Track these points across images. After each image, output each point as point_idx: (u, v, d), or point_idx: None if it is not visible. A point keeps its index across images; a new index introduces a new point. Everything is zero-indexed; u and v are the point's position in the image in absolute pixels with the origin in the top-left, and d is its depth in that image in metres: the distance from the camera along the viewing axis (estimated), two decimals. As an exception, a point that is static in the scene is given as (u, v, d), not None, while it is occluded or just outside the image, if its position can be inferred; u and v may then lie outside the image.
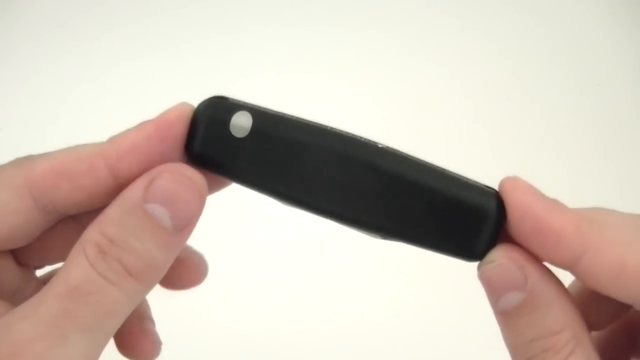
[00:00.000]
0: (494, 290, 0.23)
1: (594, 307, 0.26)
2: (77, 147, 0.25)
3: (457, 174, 0.24)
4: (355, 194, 0.24)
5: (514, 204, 0.23)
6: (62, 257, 0.27)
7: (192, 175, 0.23)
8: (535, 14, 0.74)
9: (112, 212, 0.23)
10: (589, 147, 0.68)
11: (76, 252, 0.23)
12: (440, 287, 0.56)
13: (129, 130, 0.25)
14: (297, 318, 0.57)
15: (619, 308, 0.26)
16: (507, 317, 0.23)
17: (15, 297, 0.27)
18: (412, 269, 0.56)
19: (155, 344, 0.30)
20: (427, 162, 0.24)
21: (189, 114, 0.25)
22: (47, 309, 0.22)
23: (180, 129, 0.24)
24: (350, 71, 0.71)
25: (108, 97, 0.66)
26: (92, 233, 0.23)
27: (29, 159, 0.25)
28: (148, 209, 0.22)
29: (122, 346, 0.29)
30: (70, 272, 0.22)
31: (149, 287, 0.23)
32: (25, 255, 0.27)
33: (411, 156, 0.24)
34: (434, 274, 0.56)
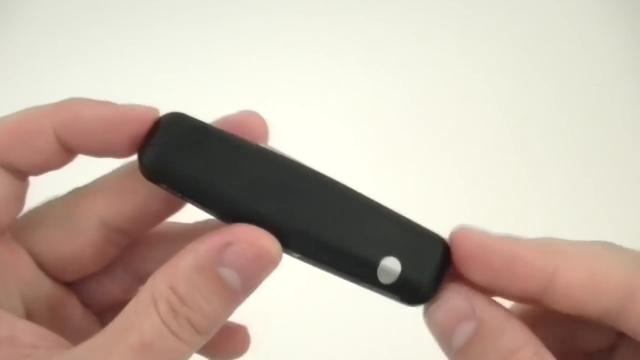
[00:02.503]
0: (445, 329, 0.23)
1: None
2: (31, 108, 0.25)
3: (406, 217, 0.24)
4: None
5: (475, 246, 0.23)
6: (90, 265, 0.27)
7: (269, 246, 0.23)
8: (535, 13, 0.74)
9: (184, 266, 0.23)
10: (589, 147, 0.67)
11: (146, 303, 0.22)
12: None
13: (88, 101, 0.25)
14: (296, 317, 0.57)
15: (564, 337, 0.27)
16: (463, 353, 0.23)
17: (61, 324, 0.27)
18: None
19: (245, 331, 0.30)
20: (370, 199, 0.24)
21: (151, 120, 0.24)
22: None
23: (135, 130, 0.24)
24: (349, 70, 0.71)
25: (109, 96, 0.66)
26: (163, 286, 0.22)
27: None
28: (221, 273, 0.22)
29: (214, 348, 0.29)
30: (144, 326, 0.22)
31: (209, 338, 0.23)
32: (52, 263, 0.27)
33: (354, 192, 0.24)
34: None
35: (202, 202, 0.24)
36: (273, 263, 0.23)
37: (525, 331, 0.23)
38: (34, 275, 0.26)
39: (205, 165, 0.24)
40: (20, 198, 0.26)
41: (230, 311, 0.23)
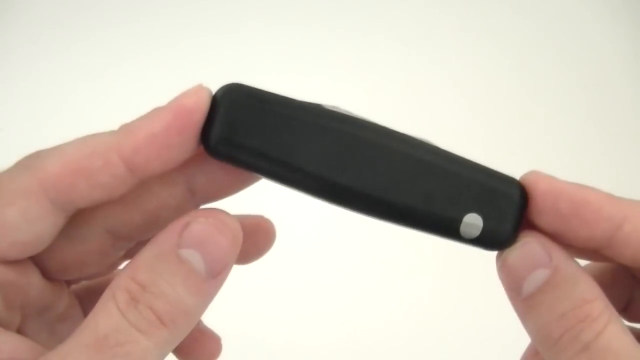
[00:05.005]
0: (518, 274, 0.23)
1: None
2: (88, 138, 0.23)
3: (478, 163, 0.24)
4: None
5: (546, 189, 0.23)
6: (93, 269, 0.26)
7: (228, 220, 0.22)
8: (535, 14, 0.74)
9: (144, 257, 0.22)
10: (589, 147, 0.68)
11: (106, 299, 0.22)
12: (453, 286, 0.56)
13: (143, 119, 0.23)
14: (305, 320, 0.57)
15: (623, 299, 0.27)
16: (533, 299, 0.23)
17: (46, 313, 0.26)
18: (423, 267, 0.56)
19: (217, 341, 0.29)
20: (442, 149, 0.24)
21: (207, 99, 0.23)
22: None
23: (199, 117, 0.23)
24: (348, 71, 0.71)
25: (109, 96, 0.66)
26: (123, 279, 0.22)
27: (38, 157, 0.23)
28: (181, 254, 0.22)
29: (183, 352, 0.28)
30: (99, 321, 0.21)
31: (180, 336, 0.22)
32: (55, 270, 0.26)
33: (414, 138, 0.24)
34: (446, 272, 0.56)
35: (272, 177, 0.23)
36: (232, 237, 0.22)
37: (597, 285, 0.23)
38: (40, 287, 0.25)
39: (270, 139, 0.23)
40: (57, 230, 0.24)
41: (198, 300, 0.22)
